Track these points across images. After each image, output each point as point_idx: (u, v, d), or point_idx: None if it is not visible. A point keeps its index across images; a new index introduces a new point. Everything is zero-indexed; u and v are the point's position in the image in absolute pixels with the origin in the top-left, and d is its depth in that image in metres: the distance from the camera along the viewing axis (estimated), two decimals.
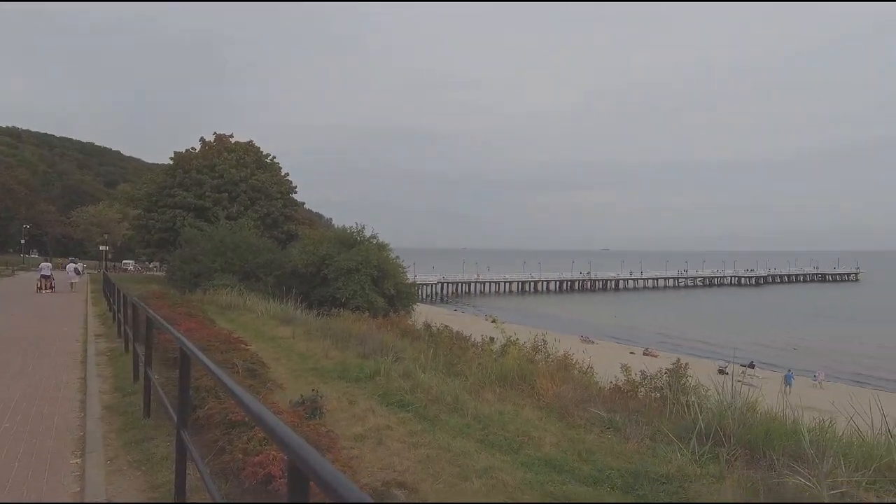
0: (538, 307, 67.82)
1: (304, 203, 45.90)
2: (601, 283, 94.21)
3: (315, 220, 59.23)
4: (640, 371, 8.40)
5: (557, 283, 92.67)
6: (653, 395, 7.20)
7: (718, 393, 5.36)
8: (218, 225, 30.90)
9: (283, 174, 41.94)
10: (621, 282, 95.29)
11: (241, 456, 3.36)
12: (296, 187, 42.38)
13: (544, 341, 9.16)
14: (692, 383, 7.27)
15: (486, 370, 7.01)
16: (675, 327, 49.29)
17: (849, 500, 2.81)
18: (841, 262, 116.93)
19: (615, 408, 5.66)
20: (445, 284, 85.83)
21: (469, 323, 27.10)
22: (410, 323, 13.31)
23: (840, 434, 4.59)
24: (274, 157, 42.22)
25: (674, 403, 5.75)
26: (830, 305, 67.97)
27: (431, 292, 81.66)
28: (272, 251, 27.82)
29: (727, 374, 23.37)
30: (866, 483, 3.85)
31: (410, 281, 31.10)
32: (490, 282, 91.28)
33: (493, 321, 11.09)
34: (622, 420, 5.12)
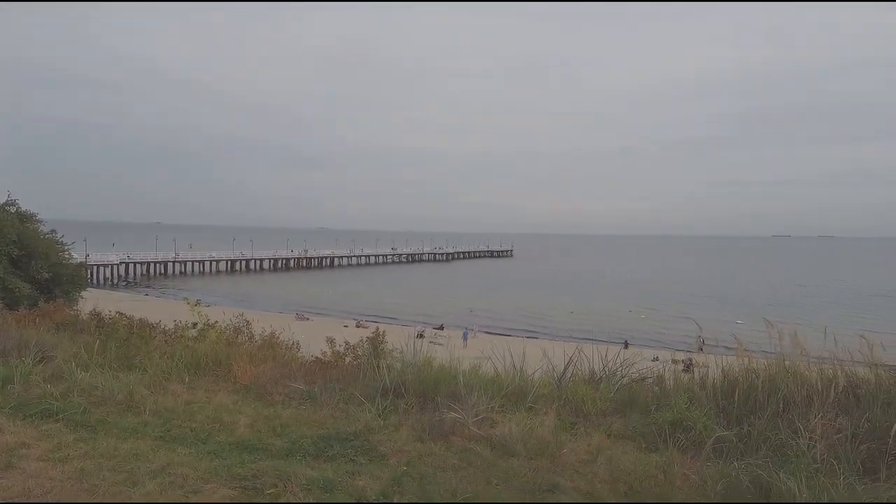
0: (251, 287, 64.34)
1: None
2: (317, 260, 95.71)
3: None
4: (345, 342, 8.94)
5: (272, 261, 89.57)
6: (356, 362, 7.79)
7: (402, 353, 6.16)
8: None
9: None
10: (336, 259, 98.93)
11: None
12: None
13: (247, 322, 8.73)
14: (389, 348, 8.13)
15: (175, 359, 6.24)
16: (387, 299, 54.40)
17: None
18: (502, 242, 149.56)
19: (315, 379, 5.87)
20: (132, 265, 72.43)
21: (161, 308, 23.65)
22: (74, 312, 10.68)
23: (484, 374, 5.91)
24: None
25: (369, 368, 6.32)
26: (496, 274, 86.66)
27: (112, 275, 67.81)
28: None
29: (424, 336, 27.31)
30: (498, 407, 5.07)
31: (78, 262, 24.94)
32: (192, 261, 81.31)
33: (193, 305, 9.93)
34: (320, 390, 5.35)
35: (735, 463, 3.86)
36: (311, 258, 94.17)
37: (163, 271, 75.23)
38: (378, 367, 5.91)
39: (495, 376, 5.85)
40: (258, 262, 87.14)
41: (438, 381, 5.39)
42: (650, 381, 6.20)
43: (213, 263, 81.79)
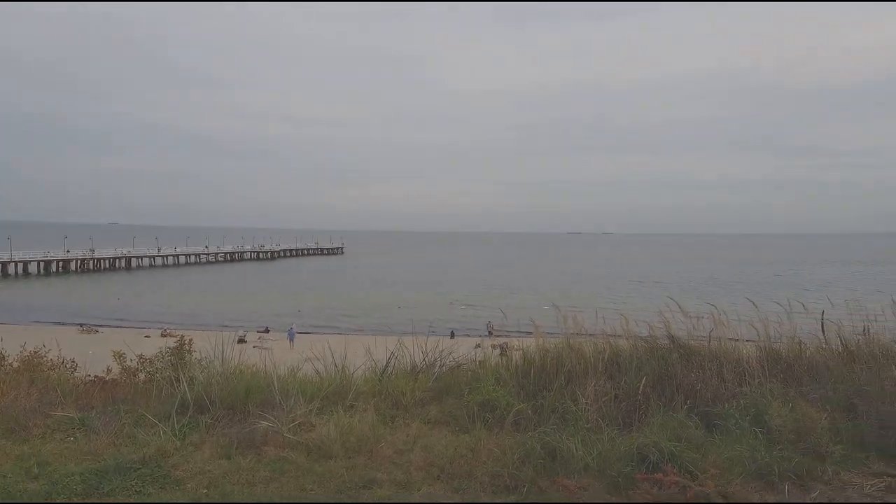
0: (11, 296, 51.82)
1: None
2: (109, 261, 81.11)
3: None
4: (139, 356, 7.73)
5: (42, 263, 73.18)
6: (155, 377, 6.79)
7: (210, 363, 5.56)
8: None
9: None
10: (135, 260, 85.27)
11: None
12: None
13: None
14: (199, 357, 7.27)
15: None
16: (202, 303, 48.72)
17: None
18: (332, 240, 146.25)
19: (93, 403, 4.94)
20: None
21: None
22: None
23: (303, 376, 5.68)
24: None
25: (166, 383, 5.56)
26: (326, 272, 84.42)
27: None
28: None
29: (246, 341, 25.18)
30: (317, 409, 4.90)
31: None
32: None
33: None
34: (98, 415, 4.51)
35: (530, 432, 4.37)
36: (100, 259, 79.34)
37: None
38: (178, 380, 5.23)
39: (316, 378, 5.66)
40: (22, 266, 70.33)
41: (250, 389, 4.99)
42: (465, 367, 6.67)
43: None
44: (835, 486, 3.70)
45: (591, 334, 5.82)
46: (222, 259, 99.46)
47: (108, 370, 7.52)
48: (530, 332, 6.57)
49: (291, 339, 29.45)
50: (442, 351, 6.72)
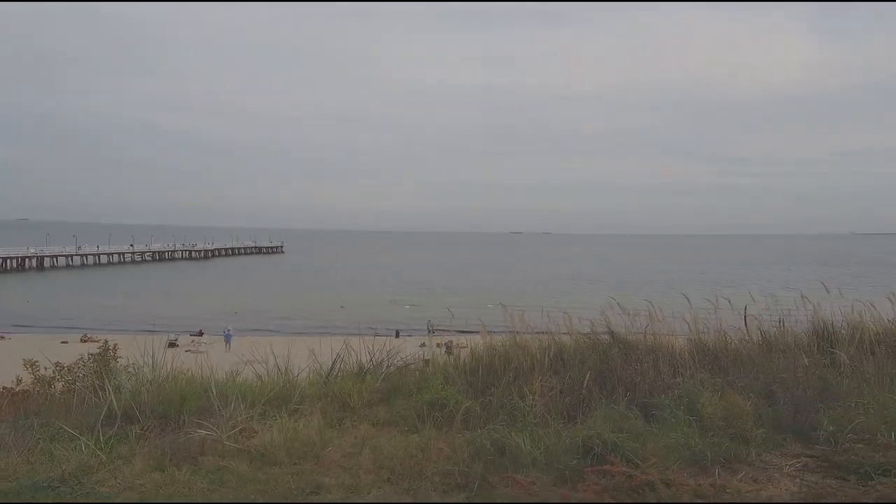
0: None
1: None
2: (17, 261, 74.02)
3: None
4: (56, 363, 7.09)
5: None
6: (76, 386, 6.25)
7: (140, 369, 5.19)
8: None
9: None
10: (48, 259, 78.36)
11: None
12: None
13: None
14: (126, 364, 6.76)
15: None
16: (128, 305, 45.45)
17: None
18: (272, 238, 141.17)
19: (3, 417, 4.47)
20: None
21: None
22: None
23: (243, 380, 5.42)
24: None
25: (89, 392, 5.12)
26: (264, 272, 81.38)
27: None
28: None
29: (178, 345, 23.72)
30: (259, 415, 4.69)
31: None
32: None
33: None
34: (8, 430, 4.08)
35: (480, 430, 4.40)
36: (6, 258, 72.19)
37: None
38: (102, 388, 4.83)
39: (257, 381, 5.42)
40: None
41: (185, 396, 4.69)
42: (413, 366, 6.62)
43: None
44: (758, 468, 4.00)
45: (536, 332, 5.95)
46: (150, 259, 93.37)
47: (18, 380, 6.84)
48: (477, 331, 6.63)
49: (228, 342, 28.18)
50: (389, 351, 6.65)
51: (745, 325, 6.70)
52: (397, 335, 31.62)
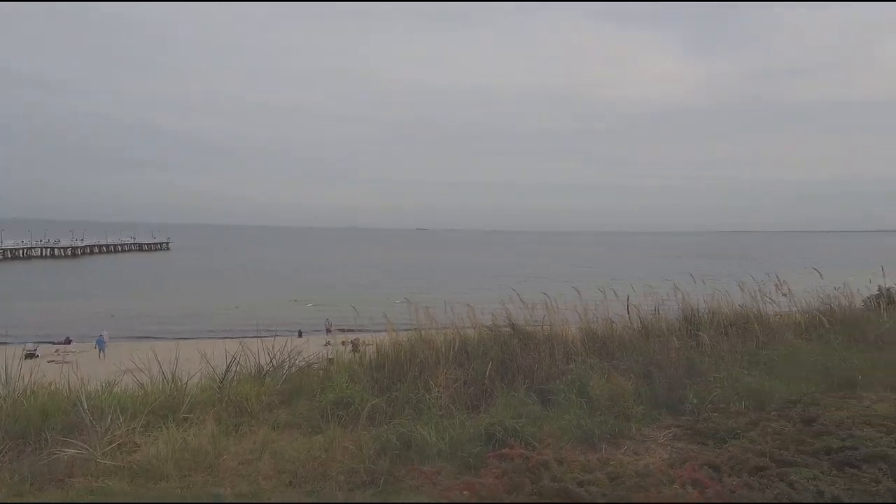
0: None
1: None
2: None
3: None
4: None
5: None
6: None
7: None
8: None
9: None
10: None
11: None
12: None
13: None
14: None
15: None
16: None
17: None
18: (154, 234, 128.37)
19: None
20: None
21: None
22: None
23: (122, 390, 4.90)
24: None
25: None
26: (146, 270, 73.90)
27: None
28: None
29: (37, 356, 20.66)
30: (142, 427, 4.27)
31: None
32: None
33: None
34: None
35: (386, 425, 4.40)
36: None
37: None
38: None
39: (139, 391, 4.92)
40: None
41: (48, 411, 4.13)
42: (317, 366, 6.43)
43: None
44: (637, 441, 4.44)
45: (442, 326, 6.07)
46: (1, 256, 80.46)
47: None
48: (383, 329, 6.60)
49: (102, 349, 25.20)
50: (290, 351, 6.40)
51: (628, 313, 7.40)
52: (300, 335, 30.39)
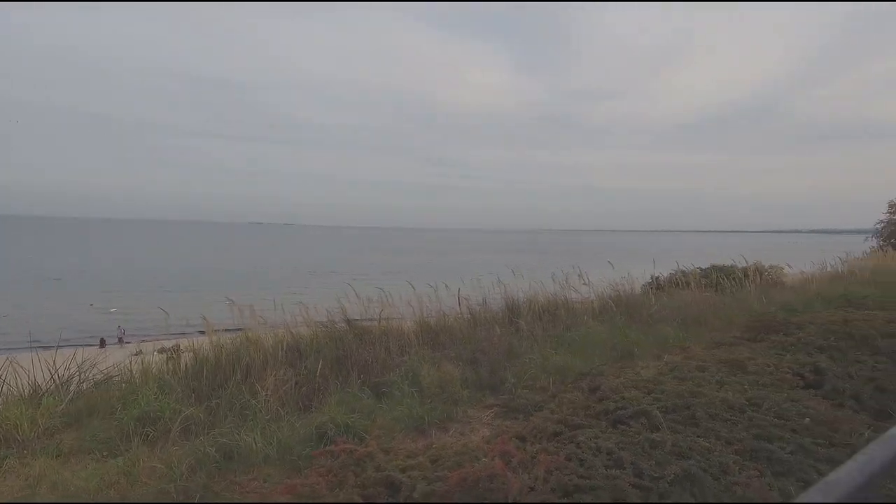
0: None
1: None
2: None
3: None
4: None
5: None
6: None
7: None
8: None
9: None
10: None
11: None
12: None
13: None
14: None
15: None
16: None
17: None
18: None
19: None
20: None
21: None
22: None
23: None
24: None
25: None
26: None
27: None
28: None
29: None
30: None
31: None
32: None
33: None
34: None
35: (202, 437, 3.98)
36: None
37: None
38: None
39: None
40: None
41: None
42: (118, 378, 5.56)
43: None
44: (464, 422, 4.76)
45: (272, 326, 5.72)
46: None
47: None
48: (202, 331, 5.98)
49: None
50: (82, 364, 5.42)
51: (459, 305, 7.89)
52: (102, 344, 25.86)
